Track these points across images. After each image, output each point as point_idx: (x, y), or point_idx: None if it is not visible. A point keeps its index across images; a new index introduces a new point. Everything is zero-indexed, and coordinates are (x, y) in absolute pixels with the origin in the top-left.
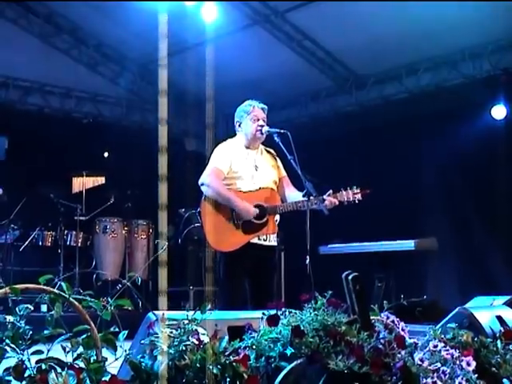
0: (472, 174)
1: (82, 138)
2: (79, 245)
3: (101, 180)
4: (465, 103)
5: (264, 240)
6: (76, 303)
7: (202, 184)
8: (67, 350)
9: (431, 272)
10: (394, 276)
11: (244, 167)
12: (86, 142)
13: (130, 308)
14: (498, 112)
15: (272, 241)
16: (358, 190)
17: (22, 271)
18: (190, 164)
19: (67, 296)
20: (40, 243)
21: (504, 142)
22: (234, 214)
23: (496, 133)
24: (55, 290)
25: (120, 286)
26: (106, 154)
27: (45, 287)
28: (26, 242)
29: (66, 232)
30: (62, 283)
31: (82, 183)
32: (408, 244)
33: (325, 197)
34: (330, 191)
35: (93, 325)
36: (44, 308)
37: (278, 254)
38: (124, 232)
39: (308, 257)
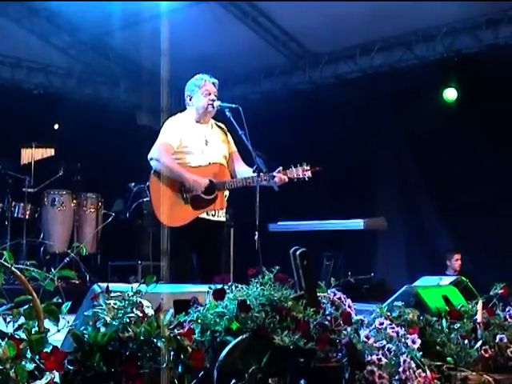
0: (423, 154)
1: (32, 109)
2: (27, 217)
3: (50, 152)
4: (417, 84)
5: (212, 215)
6: (18, 273)
7: (152, 159)
8: (8, 320)
9: (380, 251)
10: (343, 255)
11: (194, 142)
12: (35, 114)
13: (77, 281)
14: (450, 94)
15: (221, 216)
16: (308, 167)
17: None
18: (140, 138)
19: (9, 265)
20: None
21: (455, 123)
22: (183, 188)
23: (447, 114)
24: None
25: (68, 259)
26: (56, 126)
27: None
28: None
29: (13, 204)
30: (4, 252)
31: (30, 154)
32: (357, 223)
33: (274, 173)
34: (280, 168)
35: (35, 295)
36: None
37: (227, 230)
38: (73, 205)
39: (256, 233)
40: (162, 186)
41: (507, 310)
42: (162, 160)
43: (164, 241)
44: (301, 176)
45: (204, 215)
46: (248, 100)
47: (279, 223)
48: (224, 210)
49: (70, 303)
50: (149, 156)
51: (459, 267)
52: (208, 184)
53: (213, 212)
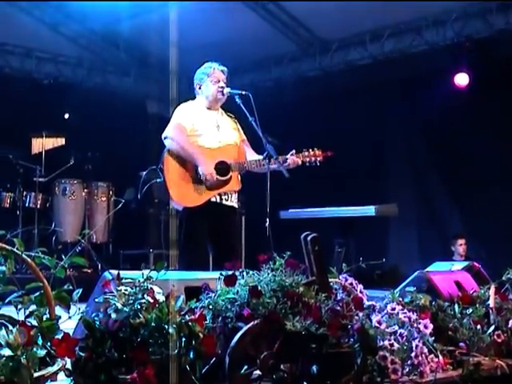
0: (434, 141)
1: (43, 99)
2: (38, 206)
3: (61, 141)
4: (428, 70)
5: (226, 200)
6: (28, 260)
7: (166, 138)
8: (19, 307)
9: (392, 238)
10: (355, 242)
11: (206, 126)
12: (46, 103)
13: (88, 270)
14: (461, 79)
15: (233, 201)
16: (320, 152)
17: None
18: (151, 126)
19: (19, 252)
20: None
21: (466, 108)
22: (198, 168)
23: (459, 100)
24: (7, 246)
25: (80, 247)
26: (66, 116)
27: None
28: None
29: (24, 193)
30: (15, 239)
31: (41, 144)
32: (369, 210)
33: (287, 156)
34: (293, 151)
35: (46, 282)
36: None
37: (239, 218)
38: (84, 194)
39: (268, 220)
40: (176, 166)
41: None
42: (175, 139)
43: (176, 227)
44: (313, 160)
45: (217, 199)
46: (258, 88)
47: (290, 210)
48: (236, 195)
49: (80, 290)
50: (163, 135)
51: (463, 252)
52: (215, 178)
53: (226, 196)
